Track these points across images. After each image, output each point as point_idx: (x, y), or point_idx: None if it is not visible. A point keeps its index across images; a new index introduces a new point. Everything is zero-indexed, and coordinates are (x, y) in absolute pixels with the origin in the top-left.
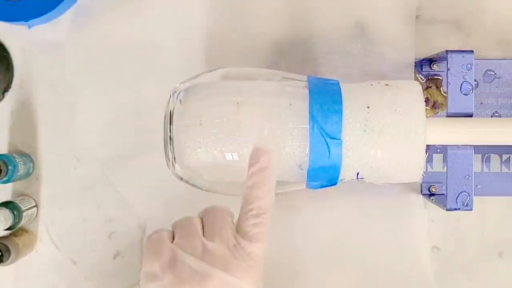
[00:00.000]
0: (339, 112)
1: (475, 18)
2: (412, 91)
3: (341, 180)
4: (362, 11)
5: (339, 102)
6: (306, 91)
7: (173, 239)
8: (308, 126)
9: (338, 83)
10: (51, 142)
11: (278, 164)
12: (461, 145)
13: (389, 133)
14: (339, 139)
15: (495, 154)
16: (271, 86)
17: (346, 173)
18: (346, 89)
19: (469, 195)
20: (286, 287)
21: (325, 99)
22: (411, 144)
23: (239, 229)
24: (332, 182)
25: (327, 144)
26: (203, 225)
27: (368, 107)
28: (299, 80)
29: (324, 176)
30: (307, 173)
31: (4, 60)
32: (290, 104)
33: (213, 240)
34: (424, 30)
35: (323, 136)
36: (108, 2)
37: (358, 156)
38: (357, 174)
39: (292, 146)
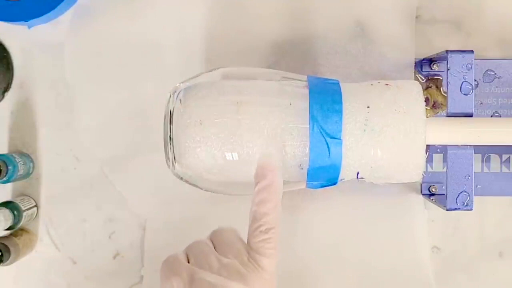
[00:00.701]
0: (339, 111)
1: (475, 18)
2: (412, 91)
3: (341, 179)
4: (362, 11)
5: (339, 101)
6: (306, 91)
7: (188, 262)
8: (308, 126)
9: (338, 83)
10: (51, 142)
11: None
12: (461, 145)
13: (389, 133)
14: (339, 138)
15: (495, 154)
16: (271, 85)
17: (346, 173)
18: (346, 89)
19: (469, 195)
20: (286, 287)
21: (325, 98)
22: (411, 144)
23: (249, 246)
24: (332, 181)
25: (327, 143)
26: (214, 246)
27: (368, 107)
28: (299, 80)
29: (324, 175)
30: (307, 173)
31: (4, 60)
32: (290, 104)
33: (226, 256)
34: (424, 30)
35: (323, 136)
36: (108, 2)
37: (358, 156)
38: (357, 174)
39: (292, 146)
